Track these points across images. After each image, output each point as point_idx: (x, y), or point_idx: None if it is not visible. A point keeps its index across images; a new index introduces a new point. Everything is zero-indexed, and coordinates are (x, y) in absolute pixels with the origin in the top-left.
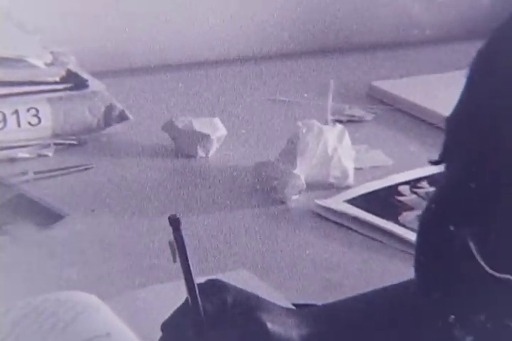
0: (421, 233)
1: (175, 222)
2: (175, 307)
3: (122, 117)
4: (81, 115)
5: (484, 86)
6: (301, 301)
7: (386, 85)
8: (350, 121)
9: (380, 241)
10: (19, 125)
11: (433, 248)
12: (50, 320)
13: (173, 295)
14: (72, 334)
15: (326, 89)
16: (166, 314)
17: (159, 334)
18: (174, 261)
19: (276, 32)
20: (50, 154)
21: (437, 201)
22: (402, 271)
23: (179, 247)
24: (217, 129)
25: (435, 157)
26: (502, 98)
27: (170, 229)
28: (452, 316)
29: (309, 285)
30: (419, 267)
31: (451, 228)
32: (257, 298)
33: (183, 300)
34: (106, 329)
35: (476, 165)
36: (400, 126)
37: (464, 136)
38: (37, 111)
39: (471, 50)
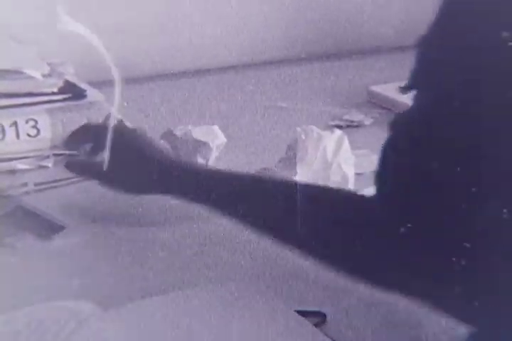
0: (384, 158)
1: None
2: (177, 318)
3: None
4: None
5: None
6: (304, 308)
7: (385, 89)
8: (350, 126)
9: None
10: (18, 136)
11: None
12: (52, 328)
13: (176, 306)
14: None
15: (325, 94)
16: (169, 324)
17: None
18: None
19: (274, 38)
20: (50, 165)
21: (404, 125)
22: None
23: None
24: (216, 137)
25: None
26: (475, 18)
27: (173, 240)
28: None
29: (312, 291)
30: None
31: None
32: None
33: (186, 310)
34: (109, 339)
35: (446, 90)
36: None
37: (436, 56)
38: (36, 122)
39: None
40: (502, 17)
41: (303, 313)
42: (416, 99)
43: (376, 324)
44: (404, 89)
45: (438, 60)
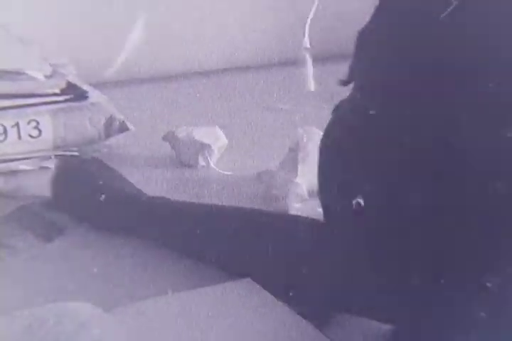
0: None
1: None
2: (177, 319)
3: (123, 128)
4: (82, 126)
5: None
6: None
7: None
8: None
9: None
10: (20, 137)
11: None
12: (54, 330)
13: (176, 307)
14: None
15: (326, 96)
16: (169, 325)
17: None
18: None
19: (274, 40)
20: (52, 166)
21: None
22: None
23: None
24: (217, 139)
25: None
26: (412, 13)
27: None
28: None
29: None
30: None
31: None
32: None
33: (186, 310)
34: (109, 340)
35: (381, 84)
36: None
37: (374, 48)
38: (37, 123)
39: None
40: (435, 16)
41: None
42: (354, 90)
43: (377, 326)
44: (344, 82)
45: (373, 55)
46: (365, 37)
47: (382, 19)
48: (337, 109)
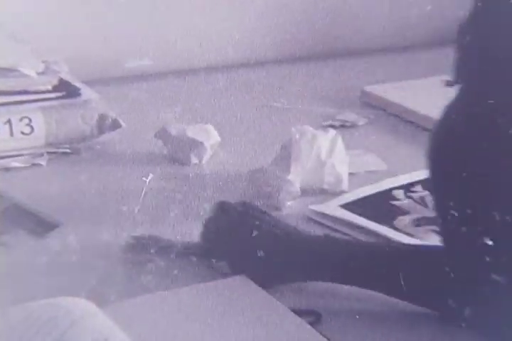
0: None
1: None
2: (172, 316)
3: (115, 125)
4: (74, 123)
5: None
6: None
7: (378, 90)
8: (343, 126)
9: None
10: (12, 134)
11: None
12: (47, 325)
13: (171, 303)
14: (69, 340)
15: (319, 94)
16: (164, 322)
17: None
18: None
19: (268, 38)
20: (44, 163)
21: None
22: None
23: None
24: (210, 136)
25: None
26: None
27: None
28: None
29: (307, 290)
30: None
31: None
32: None
33: (181, 308)
34: (104, 336)
35: (489, 79)
36: (392, 131)
37: (476, 45)
38: (30, 120)
39: None
40: None
41: (298, 312)
42: (460, 92)
43: (370, 323)
44: (451, 83)
45: (480, 54)
46: (467, 33)
47: (486, 13)
48: (446, 110)
